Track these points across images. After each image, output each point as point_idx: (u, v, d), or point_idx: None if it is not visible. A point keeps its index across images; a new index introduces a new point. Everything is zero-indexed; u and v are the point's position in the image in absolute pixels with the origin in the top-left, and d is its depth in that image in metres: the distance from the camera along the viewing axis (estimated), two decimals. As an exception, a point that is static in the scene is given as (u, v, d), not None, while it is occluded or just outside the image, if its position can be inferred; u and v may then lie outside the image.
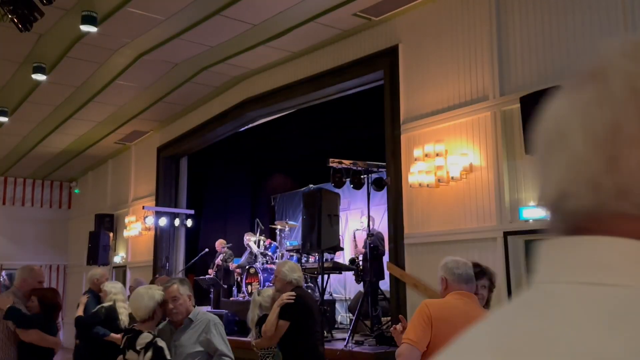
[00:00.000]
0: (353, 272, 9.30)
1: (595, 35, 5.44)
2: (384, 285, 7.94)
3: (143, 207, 12.12)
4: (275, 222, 11.53)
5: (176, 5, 7.14)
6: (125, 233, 12.89)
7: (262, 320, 4.69)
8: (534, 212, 5.68)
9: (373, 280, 7.73)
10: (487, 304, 3.52)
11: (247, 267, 10.00)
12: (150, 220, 11.88)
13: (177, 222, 11.94)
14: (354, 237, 9.87)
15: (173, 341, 3.72)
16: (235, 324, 8.42)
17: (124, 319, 5.41)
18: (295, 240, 10.74)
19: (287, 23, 7.73)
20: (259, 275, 9.58)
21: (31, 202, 16.20)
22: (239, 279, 10.23)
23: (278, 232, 10.78)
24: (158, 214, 11.84)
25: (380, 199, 8.78)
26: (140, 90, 10.05)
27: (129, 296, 6.91)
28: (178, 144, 11.84)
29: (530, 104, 5.52)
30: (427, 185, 6.58)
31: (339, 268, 9.26)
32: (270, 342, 4.57)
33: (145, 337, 3.55)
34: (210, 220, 12.86)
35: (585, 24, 5.56)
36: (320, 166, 7.98)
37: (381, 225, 9.22)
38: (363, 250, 8.51)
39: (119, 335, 5.15)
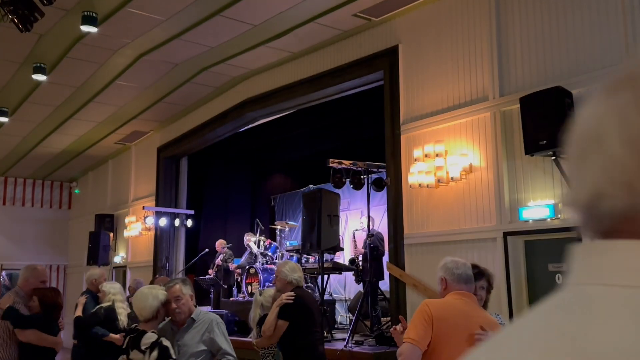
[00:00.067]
0: (353, 272, 9.31)
1: (595, 35, 5.45)
2: (384, 285, 7.94)
3: (143, 207, 12.12)
4: (275, 223, 11.54)
5: (176, 6, 7.15)
6: (126, 233, 12.89)
7: (263, 320, 4.72)
8: (533, 213, 5.69)
9: (373, 280, 7.73)
10: (485, 305, 3.53)
11: (247, 267, 10.00)
12: (151, 221, 11.88)
13: (177, 222, 11.94)
14: (354, 238, 9.89)
15: (176, 341, 3.74)
16: (235, 324, 8.41)
17: (123, 320, 5.42)
18: (295, 241, 10.74)
19: (287, 23, 7.73)
20: (259, 275, 9.58)
21: (31, 202, 16.20)
22: (239, 279, 10.23)
23: (278, 233, 10.78)
24: (158, 214, 11.84)
25: (380, 199, 8.79)
26: (141, 90, 10.06)
27: (128, 297, 6.94)
28: (178, 144, 11.83)
29: (530, 104, 5.53)
30: (427, 186, 6.58)
31: (338, 268, 9.26)
32: (270, 342, 4.61)
33: (150, 337, 3.56)
34: (210, 220, 12.85)
35: (585, 24, 5.56)
36: (320, 166, 7.98)
37: (381, 225, 9.23)
38: (363, 250, 8.51)
39: (117, 336, 5.17)
